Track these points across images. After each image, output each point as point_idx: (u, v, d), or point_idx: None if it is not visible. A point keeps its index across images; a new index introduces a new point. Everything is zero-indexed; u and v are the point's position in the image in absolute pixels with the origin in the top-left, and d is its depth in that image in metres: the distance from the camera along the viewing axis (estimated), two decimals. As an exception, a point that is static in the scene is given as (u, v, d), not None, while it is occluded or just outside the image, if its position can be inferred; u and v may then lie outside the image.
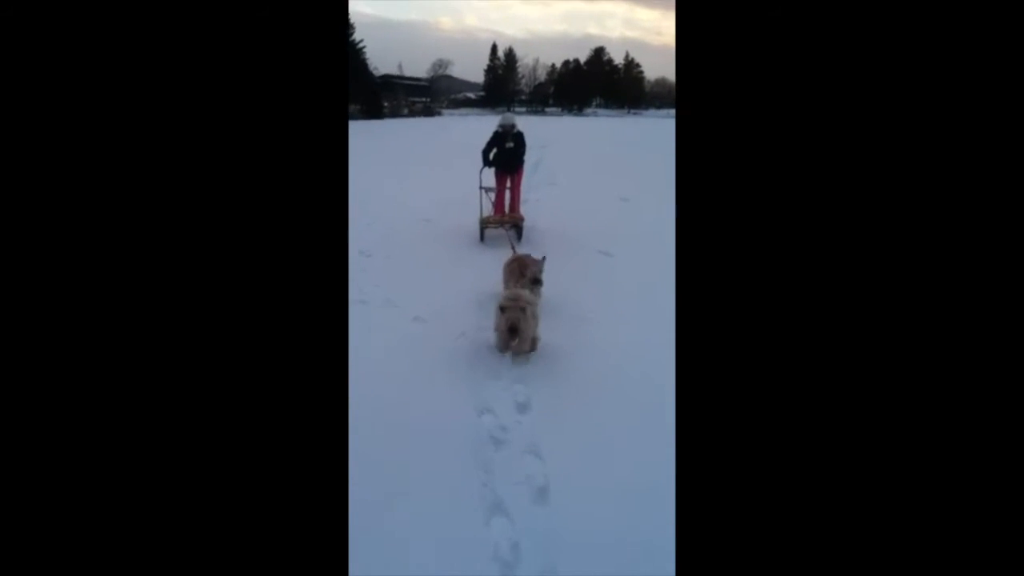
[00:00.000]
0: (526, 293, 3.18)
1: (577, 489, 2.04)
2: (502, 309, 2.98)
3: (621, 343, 3.21)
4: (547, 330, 3.21)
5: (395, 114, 42.51)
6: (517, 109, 58.35)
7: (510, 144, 5.71)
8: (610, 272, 4.58)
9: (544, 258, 3.79)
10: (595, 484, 2.06)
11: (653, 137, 20.74)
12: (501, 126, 5.73)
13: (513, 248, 4.42)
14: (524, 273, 3.63)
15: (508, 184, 5.90)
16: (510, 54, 66.99)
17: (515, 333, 2.91)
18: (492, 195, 5.88)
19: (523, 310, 2.94)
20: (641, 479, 2.07)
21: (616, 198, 7.80)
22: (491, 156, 5.72)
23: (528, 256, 3.84)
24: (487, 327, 3.28)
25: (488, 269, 4.37)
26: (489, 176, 5.93)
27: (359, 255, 4.94)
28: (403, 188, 8.60)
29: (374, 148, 15.25)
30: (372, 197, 7.43)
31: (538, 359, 3.04)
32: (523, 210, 6.06)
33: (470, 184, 6.54)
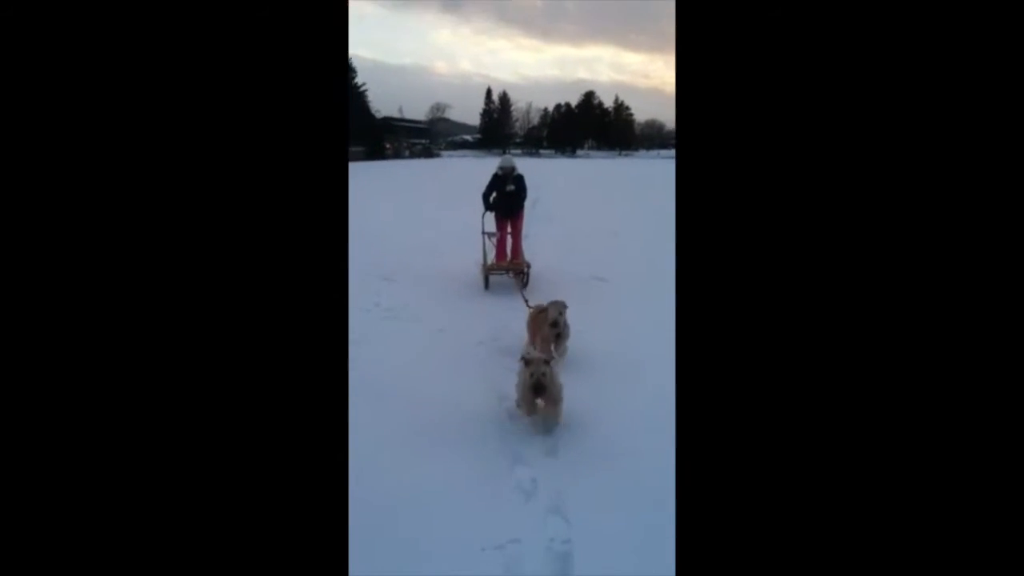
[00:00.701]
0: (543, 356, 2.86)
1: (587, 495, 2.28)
2: (526, 362, 2.73)
3: (615, 340, 3.87)
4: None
5: (397, 155, 44.10)
6: (513, 151, 60.27)
7: (511, 187, 5.57)
8: (604, 293, 5.25)
9: (566, 307, 3.62)
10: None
11: (642, 176, 21.85)
12: (501, 168, 5.62)
13: (526, 301, 4.13)
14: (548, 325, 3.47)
15: (509, 229, 5.73)
16: (504, 98, 69.83)
17: (541, 391, 2.65)
18: (495, 240, 5.71)
19: (547, 362, 2.71)
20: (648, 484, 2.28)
21: (608, 232, 8.53)
22: (491, 200, 5.59)
23: (551, 304, 3.64)
24: (500, 336, 3.87)
25: (490, 302, 5.05)
26: (491, 220, 5.77)
27: (383, 280, 5.61)
28: (412, 222, 9.37)
29: (382, 187, 16.15)
30: (385, 230, 8.18)
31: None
32: (523, 245, 5.92)
33: (470, 218, 6.74)
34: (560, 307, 3.56)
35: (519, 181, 5.63)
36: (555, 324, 3.44)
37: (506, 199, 5.60)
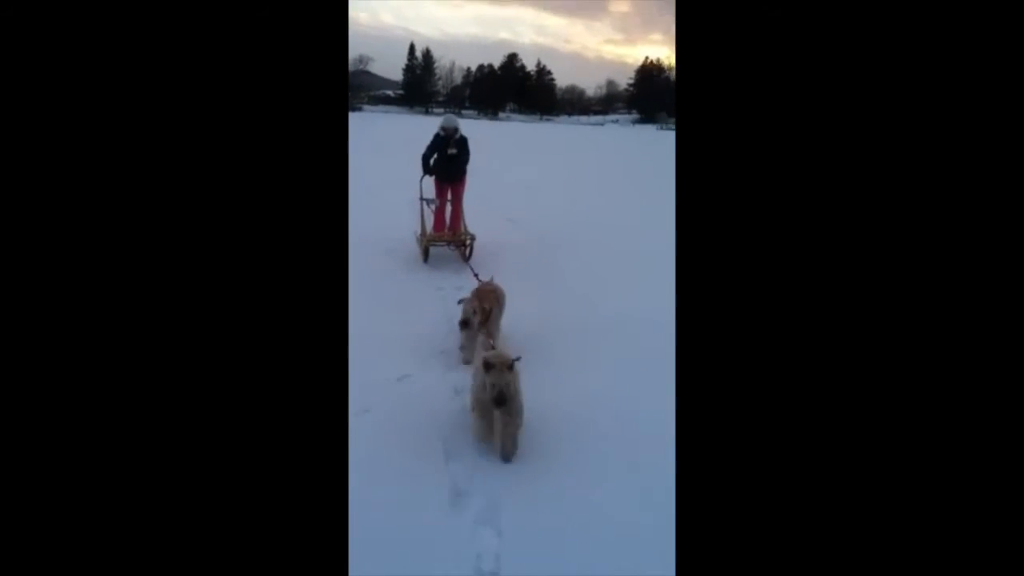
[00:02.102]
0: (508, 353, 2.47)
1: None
2: (487, 366, 2.28)
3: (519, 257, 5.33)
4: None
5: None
6: (435, 110, 59.84)
7: (453, 150, 5.19)
8: (514, 230, 6.54)
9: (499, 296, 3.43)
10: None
11: (559, 139, 23.46)
12: (443, 128, 5.21)
13: (476, 276, 3.76)
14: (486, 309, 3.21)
15: (450, 196, 5.36)
16: (428, 55, 68.56)
17: (502, 404, 2.24)
18: (433, 207, 5.31)
19: (510, 368, 2.27)
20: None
21: (522, 185, 10.15)
22: (431, 163, 5.21)
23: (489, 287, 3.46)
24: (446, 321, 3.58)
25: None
26: (429, 186, 5.37)
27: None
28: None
29: None
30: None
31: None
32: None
33: (407, 184, 6.11)
34: (489, 298, 3.30)
35: (462, 144, 5.25)
36: (466, 323, 3.18)
37: (448, 163, 5.22)
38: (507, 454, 2.32)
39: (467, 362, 3.12)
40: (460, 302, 3.30)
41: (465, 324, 3.16)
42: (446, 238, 5.24)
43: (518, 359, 2.36)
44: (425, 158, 5.23)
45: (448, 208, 5.42)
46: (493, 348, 2.62)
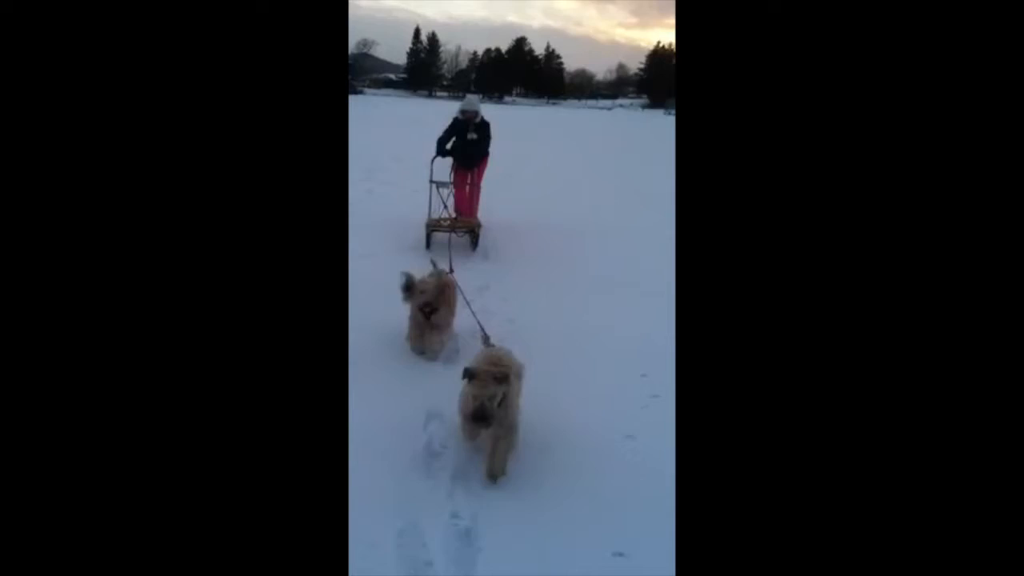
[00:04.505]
0: (510, 354, 2.21)
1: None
2: (469, 376, 1.99)
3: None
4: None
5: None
6: (439, 94, 59.34)
7: (472, 135, 4.98)
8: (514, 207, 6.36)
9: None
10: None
11: (562, 122, 23.27)
12: (462, 111, 5.04)
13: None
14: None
15: (468, 181, 5.14)
16: (433, 39, 67.86)
17: (484, 421, 1.95)
18: (444, 192, 5.02)
19: (501, 380, 1.95)
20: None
21: (522, 168, 9.87)
22: (449, 147, 5.02)
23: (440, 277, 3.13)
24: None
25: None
26: (441, 169, 5.09)
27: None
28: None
29: None
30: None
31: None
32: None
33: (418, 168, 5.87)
34: (440, 284, 3.02)
35: (483, 128, 5.04)
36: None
37: (468, 147, 5.02)
38: (493, 473, 2.00)
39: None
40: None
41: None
42: (460, 223, 4.93)
43: (511, 372, 2.04)
44: (441, 141, 5.01)
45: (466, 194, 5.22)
46: (492, 348, 2.30)
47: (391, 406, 2.48)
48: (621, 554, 1.78)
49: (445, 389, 2.43)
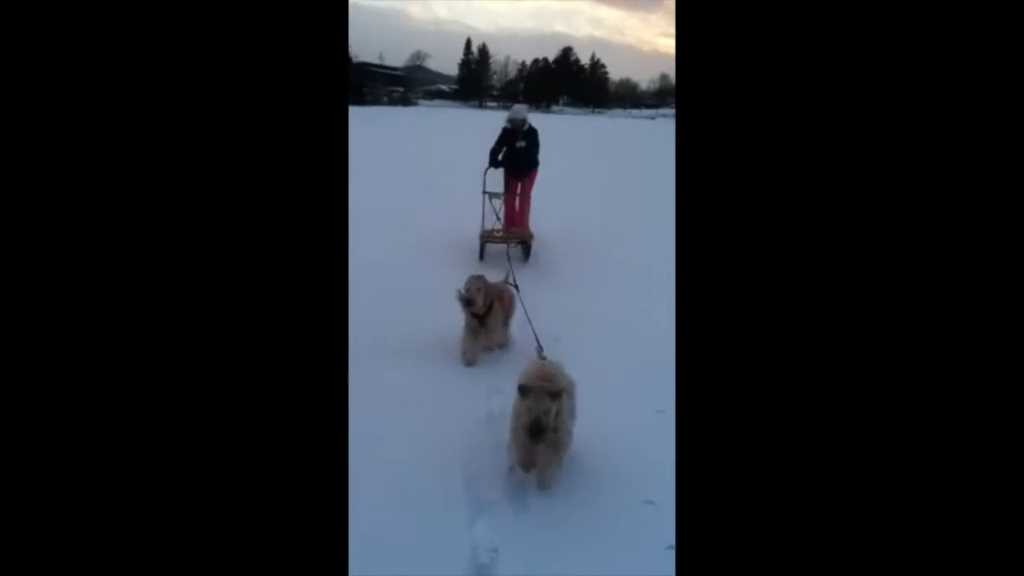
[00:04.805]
0: (559, 368, 2.17)
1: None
2: (523, 391, 1.97)
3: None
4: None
5: (376, 102, 44.00)
6: (489, 104, 60.15)
7: (521, 143, 5.00)
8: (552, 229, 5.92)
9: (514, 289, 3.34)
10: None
11: (607, 134, 23.13)
12: (510, 121, 5.03)
13: (514, 282, 3.48)
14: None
15: (519, 190, 5.19)
16: (484, 50, 68.98)
17: (539, 435, 1.93)
18: (497, 203, 5.06)
19: (556, 394, 1.95)
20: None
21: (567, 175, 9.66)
22: (500, 157, 5.05)
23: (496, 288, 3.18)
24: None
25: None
26: (495, 180, 5.13)
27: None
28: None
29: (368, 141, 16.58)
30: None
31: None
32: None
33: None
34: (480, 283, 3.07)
35: (532, 136, 5.04)
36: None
37: (517, 156, 5.06)
38: (545, 483, 2.05)
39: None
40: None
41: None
42: (514, 234, 4.96)
43: (565, 387, 2.04)
44: (493, 152, 5.07)
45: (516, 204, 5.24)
46: (544, 361, 2.28)
47: (441, 413, 2.58)
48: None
49: (497, 402, 2.55)
